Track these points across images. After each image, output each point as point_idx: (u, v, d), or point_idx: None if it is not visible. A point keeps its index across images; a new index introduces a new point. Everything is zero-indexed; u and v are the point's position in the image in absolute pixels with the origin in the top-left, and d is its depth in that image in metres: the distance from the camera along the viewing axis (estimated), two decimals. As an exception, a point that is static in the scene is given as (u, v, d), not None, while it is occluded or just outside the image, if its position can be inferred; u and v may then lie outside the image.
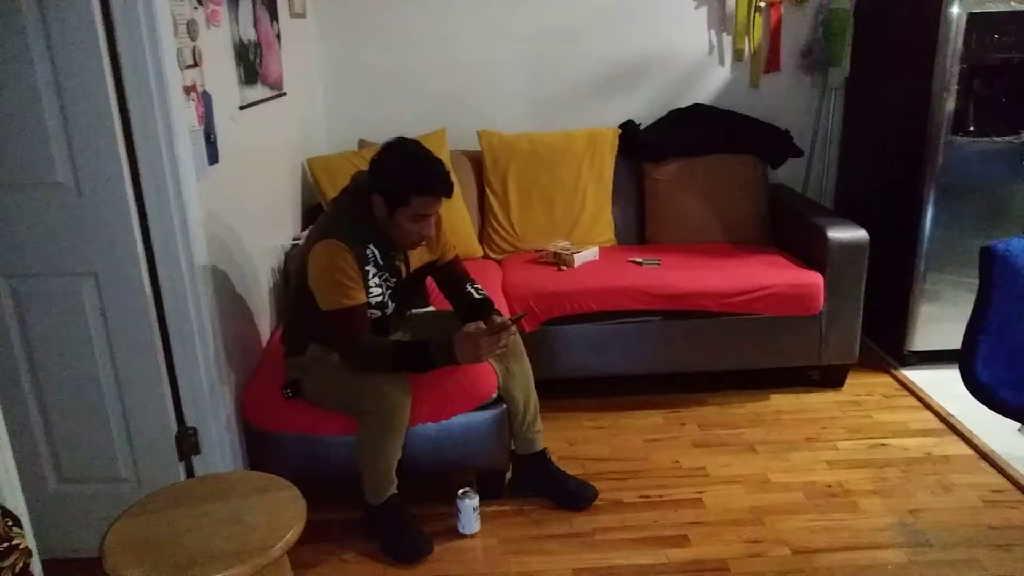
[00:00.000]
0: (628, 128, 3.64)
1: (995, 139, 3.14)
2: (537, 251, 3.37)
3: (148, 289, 2.08)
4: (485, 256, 3.45)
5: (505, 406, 2.43)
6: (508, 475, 2.58)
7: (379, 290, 2.25)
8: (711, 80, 3.80)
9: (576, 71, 3.75)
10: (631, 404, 3.15)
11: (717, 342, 3.08)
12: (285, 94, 3.08)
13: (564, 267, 3.17)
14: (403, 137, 2.23)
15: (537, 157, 3.48)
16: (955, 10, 2.99)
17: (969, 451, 2.80)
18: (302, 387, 2.29)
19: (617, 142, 3.56)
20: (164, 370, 2.15)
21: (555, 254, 3.22)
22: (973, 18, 3.00)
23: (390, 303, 2.30)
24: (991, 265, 1.95)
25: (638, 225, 3.60)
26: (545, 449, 2.54)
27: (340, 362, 2.22)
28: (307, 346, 2.29)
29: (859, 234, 3.09)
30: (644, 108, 3.79)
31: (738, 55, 3.75)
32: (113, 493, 2.21)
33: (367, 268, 2.20)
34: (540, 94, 3.77)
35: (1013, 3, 3.00)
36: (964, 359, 2.01)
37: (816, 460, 2.75)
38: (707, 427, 2.98)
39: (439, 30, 3.65)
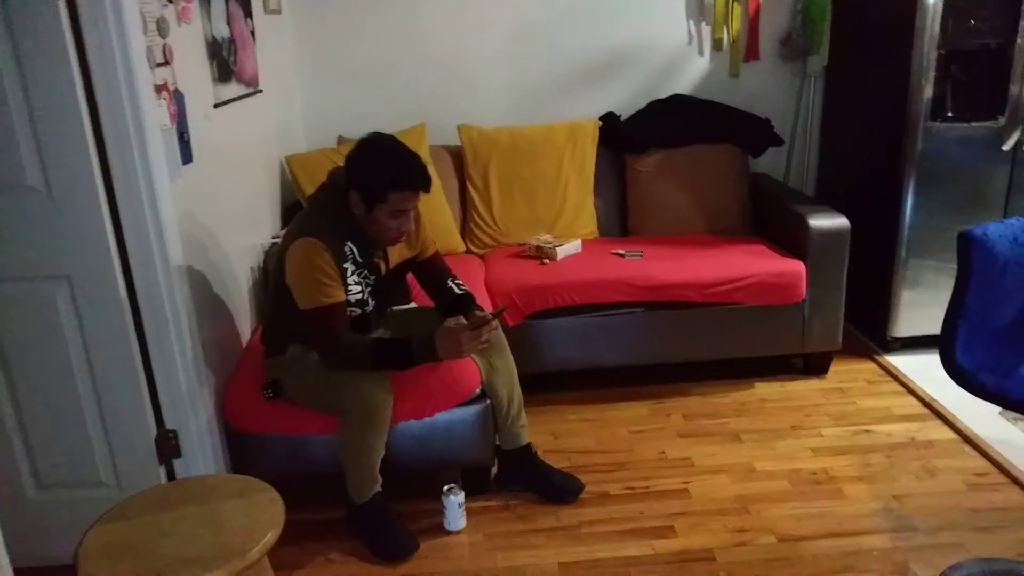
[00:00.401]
0: (609, 120, 3.63)
1: (973, 124, 3.15)
2: (520, 245, 3.36)
3: (123, 291, 2.05)
4: (467, 251, 3.44)
5: (489, 401, 2.42)
6: (493, 470, 2.57)
7: (358, 287, 2.23)
8: (691, 70, 3.79)
9: (556, 63, 3.73)
10: (616, 396, 3.15)
11: (701, 332, 3.08)
12: (261, 91, 3.05)
13: (546, 260, 3.16)
14: (379, 132, 2.21)
15: (518, 150, 3.46)
16: (932, -4, 3.00)
17: (952, 435, 2.81)
18: (283, 387, 2.27)
19: (598, 134, 3.55)
20: (142, 373, 2.13)
21: (537, 248, 3.20)
22: (949, 4, 3.00)
23: (370, 300, 2.28)
24: (969, 250, 1.95)
25: (620, 217, 3.60)
26: (530, 443, 2.53)
27: (320, 361, 2.20)
28: (287, 346, 2.27)
29: (840, 222, 3.10)
30: (625, 99, 3.78)
31: (717, 45, 3.75)
32: (93, 498, 2.18)
33: (346, 266, 2.19)
34: (520, 87, 3.75)
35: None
36: (944, 344, 2.01)
37: (801, 448, 2.76)
38: (692, 417, 2.99)
39: (417, 24, 3.63)
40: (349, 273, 2.19)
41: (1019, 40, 3.04)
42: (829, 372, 3.28)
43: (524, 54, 3.70)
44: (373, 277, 2.29)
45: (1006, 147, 3.15)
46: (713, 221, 3.49)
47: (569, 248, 3.23)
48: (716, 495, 2.51)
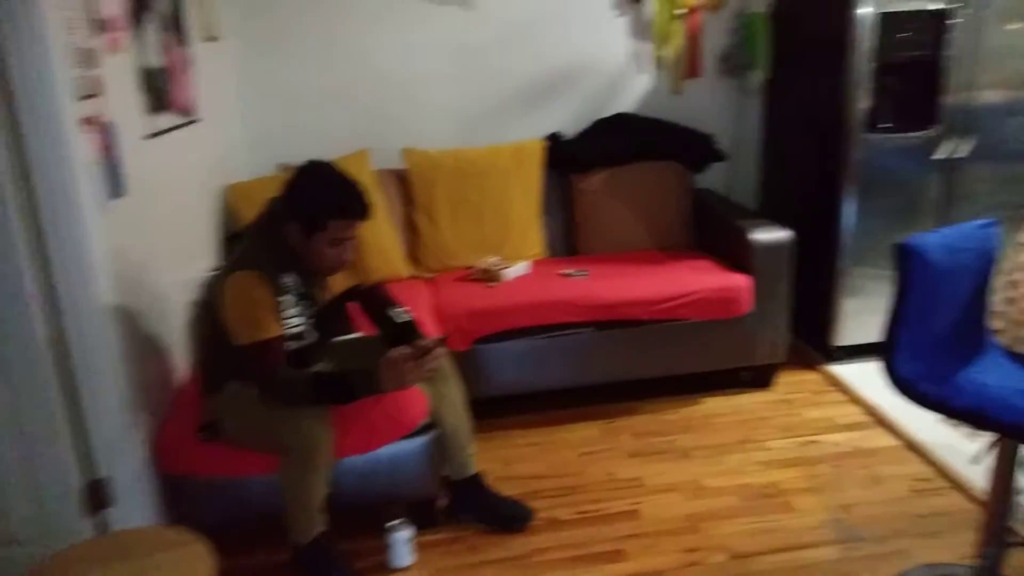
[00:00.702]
0: (554, 140, 3.64)
1: (908, 135, 3.22)
2: (467, 269, 3.35)
3: (42, 332, 1.98)
4: (414, 276, 3.41)
5: (436, 432, 2.39)
6: (443, 502, 2.54)
7: (298, 320, 2.19)
8: (634, 88, 3.82)
9: (500, 84, 3.73)
10: (566, 418, 3.14)
11: (648, 349, 3.10)
12: (199, 120, 2.99)
13: (493, 283, 3.15)
14: (316, 160, 2.18)
15: (464, 173, 3.45)
16: (865, 10, 3.06)
17: (896, 442, 2.86)
18: (221, 427, 2.21)
19: (543, 154, 3.56)
20: (65, 418, 2.05)
21: (484, 271, 3.19)
22: (882, 18, 3.07)
23: (311, 333, 2.24)
24: (906, 260, 1.97)
25: (568, 237, 3.60)
26: (479, 472, 2.50)
27: (259, 398, 2.15)
28: (223, 383, 2.21)
29: (782, 235, 3.14)
30: (570, 119, 3.79)
31: (659, 63, 3.78)
32: (10, 557, 2.07)
33: (284, 298, 2.15)
34: (465, 109, 3.74)
35: (919, 3, 3.08)
36: (885, 356, 2.03)
37: (749, 462, 2.78)
38: (642, 436, 2.99)
39: (360, 48, 3.60)
40: (288, 305, 2.15)
41: (948, 52, 3.13)
42: (776, 384, 3.31)
43: (468, 76, 3.70)
44: (314, 308, 2.25)
45: (939, 156, 3.23)
46: (659, 238, 3.51)
47: (516, 270, 3.22)
48: (666, 515, 2.51)
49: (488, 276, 3.17)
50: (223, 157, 3.34)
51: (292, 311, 2.17)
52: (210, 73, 3.19)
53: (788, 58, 3.66)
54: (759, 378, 3.30)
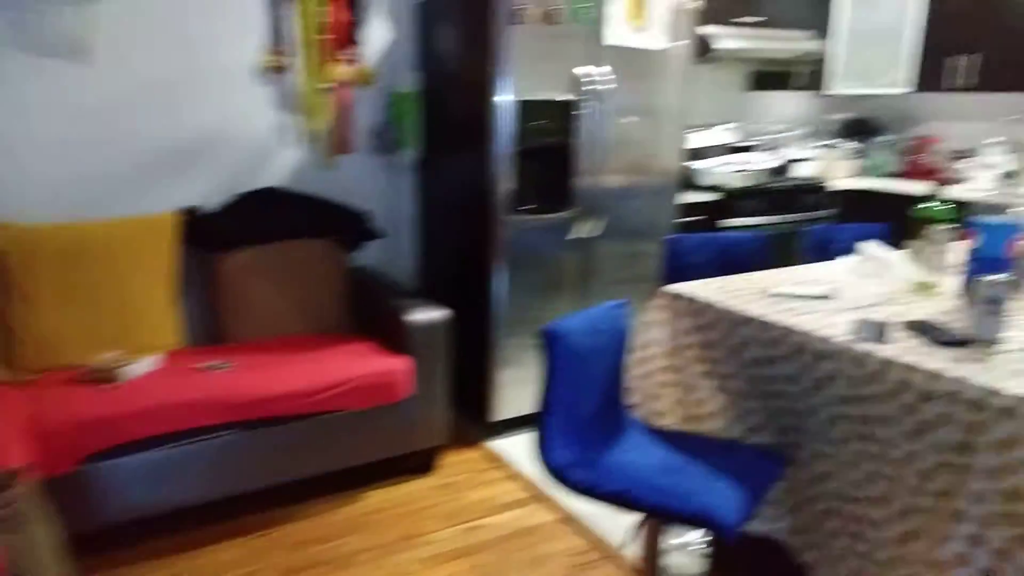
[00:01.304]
0: (192, 214, 3.24)
1: (548, 216, 3.40)
2: (78, 368, 2.78)
3: None
4: (6, 382, 2.75)
5: (18, 590, 1.85)
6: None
7: None
8: (283, 161, 3.58)
9: (128, 151, 3.24)
10: (209, 537, 2.71)
11: (302, 447, 2.81)
12: None
13: (111, 384, 2.64)
14: None
15: (76, 251, 2.90)
16: (504, 97, 3.19)
17: (554, 516, 2.90)
18: None
19: (179, 230, 3.14)
20: None
21: (98, 370, 2.66)
22: (520, 105, 3.22)
23: None
24: (550, 347, 1.97)
25: (211, 323, 3.19)
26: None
27: None
28: None
29: (439, 314, 3.09)
30: (210, 191, 3.42)
31: (309, 136, 3.59)
32: None
33: None
34: (85, 177, 3.17)
35: (550, 93, 3.29)
36: (537, 444, 2.01)
37: (414, 560, 2.61)
38: (300, 546, 2.67)
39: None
40: None
41: (577, 140, 3.38)
42: (440, 467, 3.22)
43: (89, 140, 3.15)
44: None
45: (575, 236, 3.45)
46: (313, 321, 3.27)
47: (141, 366, 2.74)
48: (325, 640, 2.23)
49: (103, 376, 2.65)
50: None
51: None
52: None
53: (439, 137, 3.71)
54: (422, 463, 3.18)
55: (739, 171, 4.32)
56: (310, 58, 3.47)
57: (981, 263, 2.05)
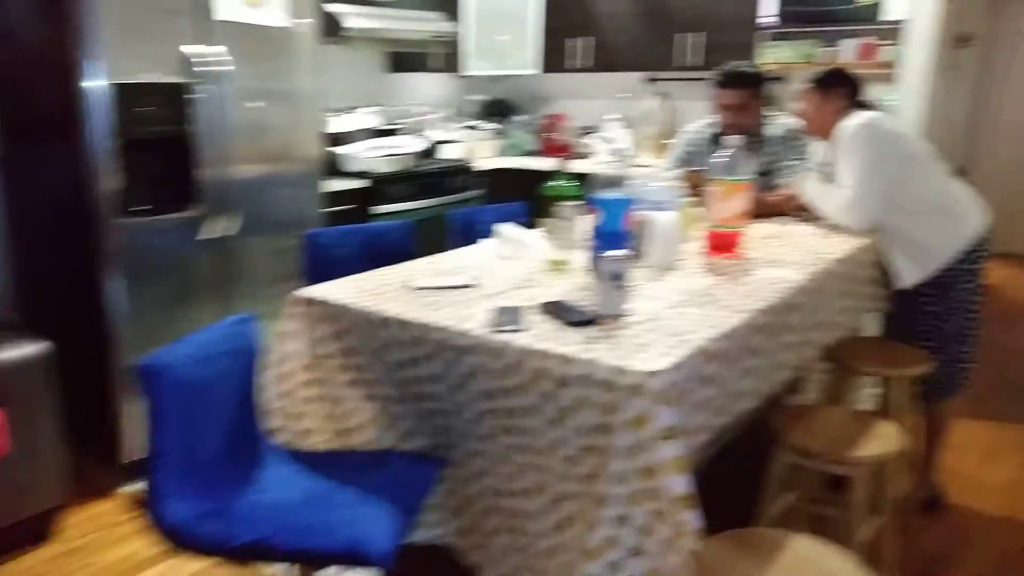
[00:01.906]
0: None
1: (169, 216, 2.95)
2: None
3: None
4: None
5: None
6: None
7: None
8: None
9: None
10: None
11: None
12: None
13: None
14: None
15: None
16: (95, 82, 2.66)
17: (209, 561, 2.52)
18: None
19: None
20: None
21: None
22: (118, 90, 2.72)
23: None
24: (151, 385, 1.62)
25: None
26: None
27: None
28: None
29: (38, 348, 2.52)
30: None
31: None
32: None
33: None
34: None
35: (156, 76, 2.83)
36: (151, 505, 1.65)
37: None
38: None
39: None
40: None
41: (195, 128, 2.96)
42: (61, 530, 2.65)
43: None
44: None
45: (205, 236, 3.05)
46: None
47: None
48: None
49: None
50: None
51: None
52: None
53: (20, 131, 3.03)
54: (35, 530, 2.59)
55: (386, 155, 4.19)
56: None
57: (604, 238, 2.10)
